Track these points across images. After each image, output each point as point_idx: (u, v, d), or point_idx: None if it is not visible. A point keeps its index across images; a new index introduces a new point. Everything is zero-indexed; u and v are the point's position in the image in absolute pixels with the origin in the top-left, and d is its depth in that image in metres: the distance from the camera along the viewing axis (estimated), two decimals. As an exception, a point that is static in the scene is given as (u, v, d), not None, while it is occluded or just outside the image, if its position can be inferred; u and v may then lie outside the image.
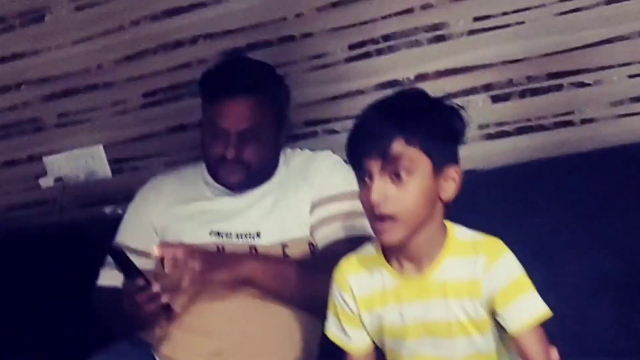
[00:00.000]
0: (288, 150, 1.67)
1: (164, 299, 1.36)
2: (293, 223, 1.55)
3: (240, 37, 1.97)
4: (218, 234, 1.56)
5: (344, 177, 1.50)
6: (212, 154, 1.56)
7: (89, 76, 2.17)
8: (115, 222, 1.71)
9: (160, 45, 2.07)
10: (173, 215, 1.61)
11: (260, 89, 1.55)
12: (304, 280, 1.45)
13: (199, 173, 1.66)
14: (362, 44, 1.87)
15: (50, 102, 2.24)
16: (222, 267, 1.42)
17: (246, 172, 1.55)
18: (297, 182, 1.59)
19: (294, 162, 1.64)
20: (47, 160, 2.26)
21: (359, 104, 1.23)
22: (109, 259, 1.57)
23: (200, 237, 1.55)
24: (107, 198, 2.20)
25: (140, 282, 1.35)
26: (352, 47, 1.88)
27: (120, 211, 1.85)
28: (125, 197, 1.84)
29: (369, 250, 1.24)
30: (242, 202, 1.59)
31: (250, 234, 1.55)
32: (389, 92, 1.25)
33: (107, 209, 2.14)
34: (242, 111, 1.53)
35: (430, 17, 1.79)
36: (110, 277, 1.60)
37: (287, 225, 1.55)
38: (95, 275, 1.65)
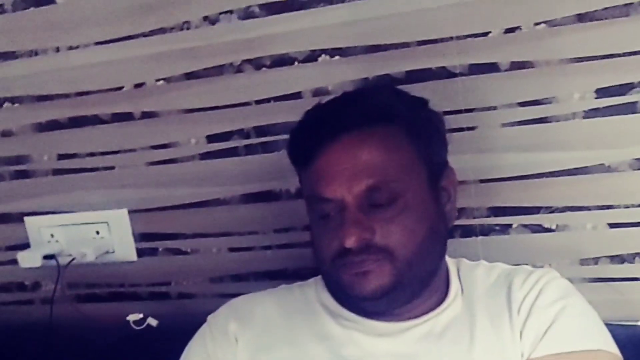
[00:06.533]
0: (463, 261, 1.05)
1: None
2: None
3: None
4: None
5: (589, 323, 0.93)
6: (324, 253, 0.93)
7: (113, 98, 1.35)
8: (144, 338, 1.24)
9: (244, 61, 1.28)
10: None
11: (385, 115, 0.92)
12: None
13: (312, 292, 1.04)
14: None
15: (45, 135, 1.41)
16: None
17: (391, 268, 0.89)
18: (501, 314, 0.94)
19: (483, 275, 1.00)
20: (32, 223, 1.44)
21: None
22: None
23: None
24: (129, 295, 1.44)
25: None
26: None
27: (153, 323, 1.30)
28: (159, 296, 1.38)
29: None
30: (402, 341, 0.93)
31: None
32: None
33: (132, 318, 1.33)
34: (356, 156, 0.90)
35: None
36: None
37: None
38: None
